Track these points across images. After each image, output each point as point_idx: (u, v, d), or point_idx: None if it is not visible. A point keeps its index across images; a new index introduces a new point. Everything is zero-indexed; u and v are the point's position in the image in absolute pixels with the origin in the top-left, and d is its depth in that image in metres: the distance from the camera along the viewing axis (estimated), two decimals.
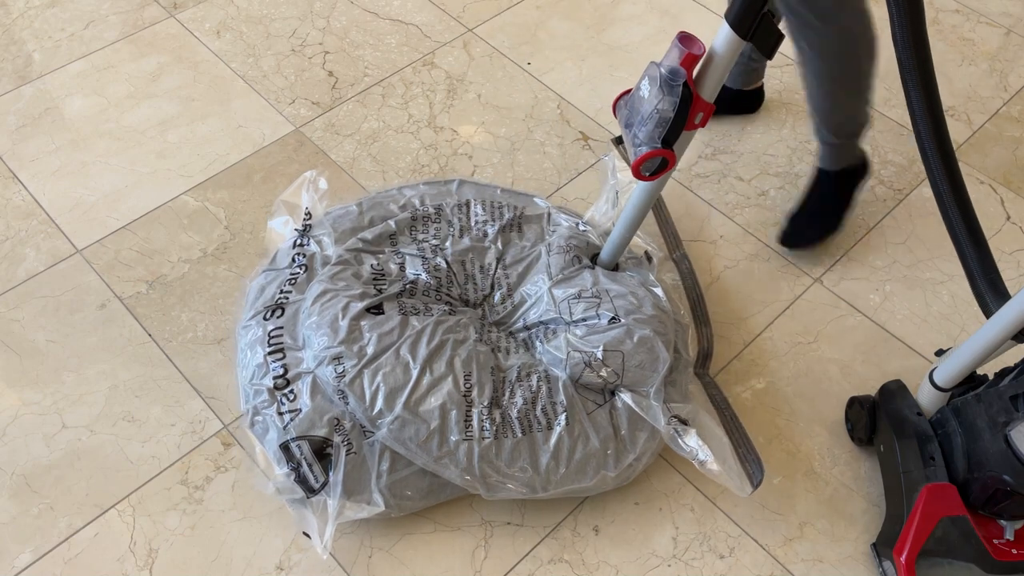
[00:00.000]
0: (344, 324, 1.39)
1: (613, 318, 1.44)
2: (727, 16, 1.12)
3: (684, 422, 1.39)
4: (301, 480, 1.32)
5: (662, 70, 1.14)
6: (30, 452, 1.47)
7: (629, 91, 1.25)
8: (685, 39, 1.14)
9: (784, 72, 2.13)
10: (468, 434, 1.35)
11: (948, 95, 2.10)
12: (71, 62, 2.08)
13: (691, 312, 1.62)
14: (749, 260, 1.77)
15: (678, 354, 1.50)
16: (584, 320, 1.46)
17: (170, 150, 1.91)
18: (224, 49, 2.12)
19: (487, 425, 1.35)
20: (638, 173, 1.23)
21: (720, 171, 1.92)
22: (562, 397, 1.40)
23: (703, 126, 1.23)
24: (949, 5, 2.31)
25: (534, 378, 1.42)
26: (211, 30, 2.16)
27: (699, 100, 1.18)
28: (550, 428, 1.37)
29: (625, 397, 1.42)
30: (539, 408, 1.39)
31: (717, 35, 1.14)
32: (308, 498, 1.32)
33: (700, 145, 1.97)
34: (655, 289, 1.54)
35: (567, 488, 1.37)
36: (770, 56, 1.13)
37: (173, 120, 1.97)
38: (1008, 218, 1.86)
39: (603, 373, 1.41)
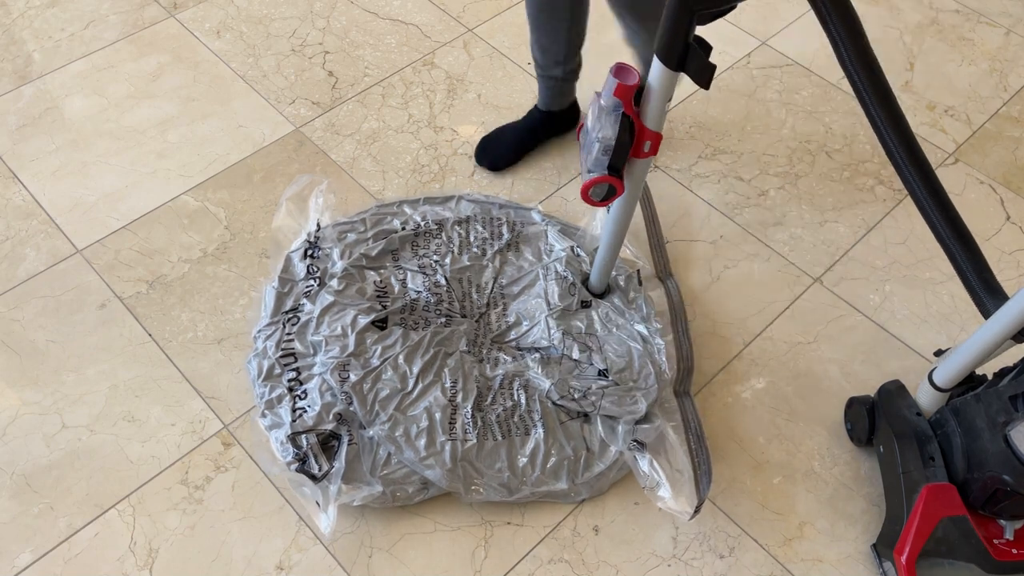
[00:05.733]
0: (352, 338, 1.50)
1: (602, 371, 1.52)
2: (655, 48, 1.13)
3: (642, 445, 1.44)
4: (304, 470, 1.38)
5: (602, 101, 1.18)
6: (30, 452, 1.47)
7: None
8: (620, 71, 1.17)
9: (784, 72, 2.13)
10: (452, 435, 1.42)
11: (948, 95, 2.10)
12: (71, 62, 2.08)
13: (674, 337, 1.62)
14: (749, 260, 1.77)
15: (661, 371, 1.55)
16: (577, 362, 1.53)
17: (170, 150, 1.91)
18: (224, 49, 2.12)
19: (469, 428, 1.43)
20: (587, 198, 1.27)
21: (720, 171, 1.92)
22: (538, 407, 1.48)
23: (654, 154, 1.25)
24: (949, 5, 2.31)
25: (515, 387, 1.50)
26: (211, 30, 2.16)
27: (644, 128, 1.21)
28: (527, 434, 1.45)
29: (596, 418, 1.48)
30: (516, 416, 1.47)
31: (652, 67, 1.15)
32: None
33: (700, 145, 1.97)
34: (640, 327, 1.58)
35: (541, 490, 1.41)
36: (705, 87, 1.13)
37: (173, 120, 1.97)
38: (1008, 218, 1.86)
39: (583, 404, 1.48)
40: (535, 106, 1.91)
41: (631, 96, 1.18)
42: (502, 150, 1.90)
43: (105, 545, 1.38)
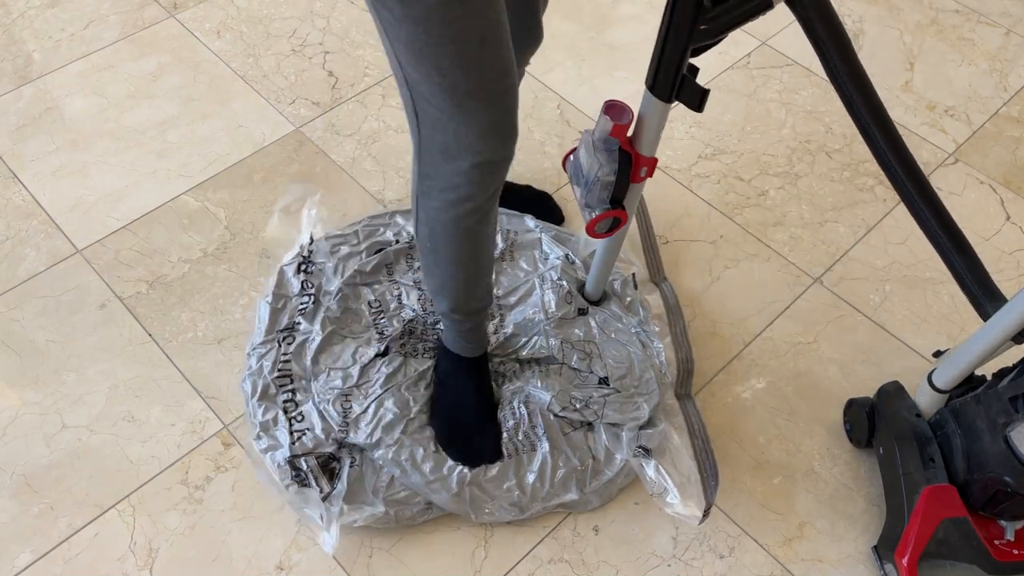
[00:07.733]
0: (355, 371, 1.49)
1: (603, 379, 1.51)
2: (647, 82, 1.13)
3: (648, 451, 1.43)
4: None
5: (595, 141, 1.18)
6: (30, 452, 1.47)
7: (575, 150, 1.28)
8: (611, 108, 1.17)
9: (784, 72, 2.13)
10: None
11: (948, 95, 2.10)
12: (71, 62, 2.08)
13: (673, 339, 1.62)
14: (749, 260, 1.77)
15: (661, 375, 1.55)
16: (577, 371, 1.52)
17: (170, 150, 1.91)
18: (224, 49, 2.12)
19: None
20: (593, 233, 1.27)
21: (720, 171, 1.92)
22: (540, 420, 1.46)
23: (651, 176, 1.26)
24: (949, 5, 2.31)
25: (516, 403, 1.48)
26: (211, 30, 2.16)
27: (640, 158, 1.21)
28: (534, 450, 1.43)
29: (599, 426, 1.48)
30: (520, 433, 1.45)
31: (642, 100, 1.15)
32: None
33: (700, 145, 1.97)
34: (638, 331, 1.58)
35: (553, 503, 1.41)
36: (699, 110, 1.12)
37: (173, 120, 1.97)
38: (1008, 218, 1.87)
39: (585, 414, 1.47)
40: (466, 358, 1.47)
41: (626, 132, 1.18)
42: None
43: (105, 545, 1.38)
